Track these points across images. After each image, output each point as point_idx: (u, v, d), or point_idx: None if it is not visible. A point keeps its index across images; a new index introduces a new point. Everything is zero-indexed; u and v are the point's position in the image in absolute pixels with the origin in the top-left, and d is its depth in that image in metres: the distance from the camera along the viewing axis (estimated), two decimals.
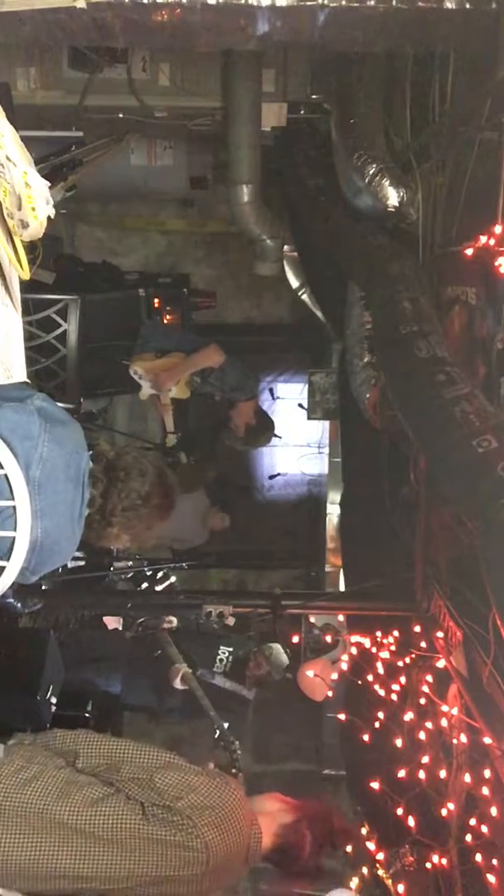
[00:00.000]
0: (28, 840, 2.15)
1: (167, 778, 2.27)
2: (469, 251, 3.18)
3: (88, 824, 2.17)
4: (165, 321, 6.05)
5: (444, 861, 3.06)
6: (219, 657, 4.57)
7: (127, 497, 2.29)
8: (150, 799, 2.23)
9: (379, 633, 3.80)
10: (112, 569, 5.49)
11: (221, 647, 4.60)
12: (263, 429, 5.35)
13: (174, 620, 4.16)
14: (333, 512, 6.64)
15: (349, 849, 2.51)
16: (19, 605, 3.85)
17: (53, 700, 3.25)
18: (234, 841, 2.24)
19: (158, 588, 5.43)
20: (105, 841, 2.16)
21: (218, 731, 3.59)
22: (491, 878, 2.70)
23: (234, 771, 2.60)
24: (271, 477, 7.76)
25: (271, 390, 7.36)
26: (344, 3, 2.33)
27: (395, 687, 3.51)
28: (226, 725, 3.68)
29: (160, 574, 5.51)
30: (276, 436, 5.61)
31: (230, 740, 3.26)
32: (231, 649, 4.62)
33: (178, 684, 4.10)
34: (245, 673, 4.65)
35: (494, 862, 2.72)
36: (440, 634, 3.54)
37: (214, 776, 2.35)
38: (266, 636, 4.51)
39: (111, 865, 2.16)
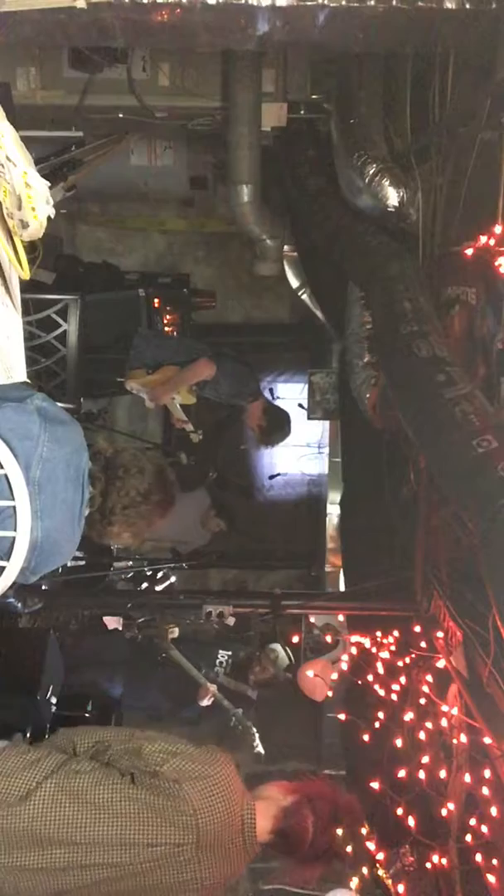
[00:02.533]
0: (23, 809, 2.15)
1: (153, 746, 2.27)
2: (469, 251, 3.18)
3: (81, 790, 2.17)
4: (165, 321, 6.05)
5: (444, 861, 3.06)
6: (218, 660, 4.58)
7: (126, 495, 2.29)
8: (138, 766, 2.22)
9: (379, 633, 3.80)
10: (112, 569, 5.48)
11: (220, 651, 4.62)
12: (277, 426, 5.34)
13: (176, 631, 4.18)
14: (333, 512, 6.64)
15: (349, 849, 2.49)
16: (19, 605, 3.85)
17: (53, 700, 3.25)
18: (222, 808, 2.20)
19: (158, 588, 5.43)
20: (95, 806, 2.15)
21: (234, 719, 3.69)
22: (491, 878, 2.70)
23: (255, 752, 2.55)
24: (271, 477, 7.76)
25: (271, 390, 7.36)
26: (344, 3, 2.33)
27: (395, 687, 3.52)
28: (240, 711, 3.75)
29: (160, 574, 5.51)
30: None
31: (247, 725, 3.37)
32: (230, 653, 4.64)
33: (205, 702, 4.15)
34: (248, 675, 4.67)
35: (494, 862, 2.72)
36: (440, 634, 3.54)
37: (200, 745, 2.34)
38: (266, 637, 4.52)
39: (101, 831, 2.14)
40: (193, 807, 2.17)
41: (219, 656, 4.66)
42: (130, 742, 2.33)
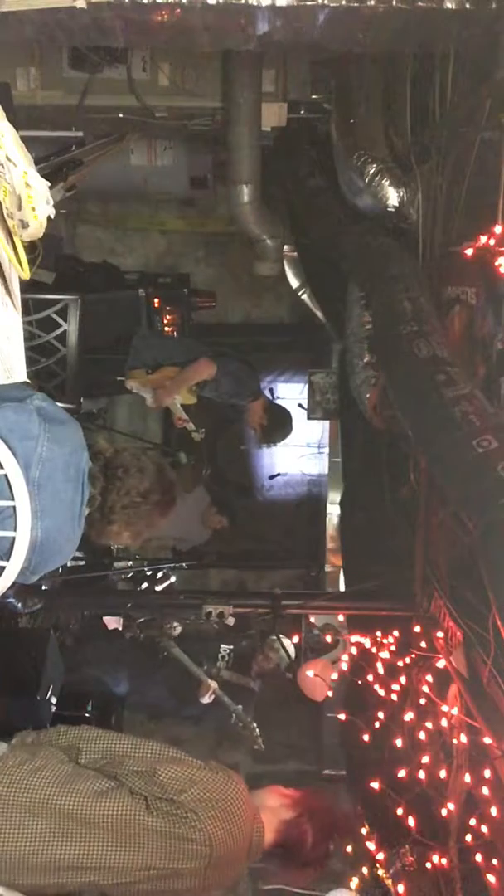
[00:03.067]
0: (31, 830, 2.15)
1: (170, 771, 2.27)
2: (469, 251, 3.18)
3: (92, 815, 2.17)
4: (165, 321, 6.05)
5: (444, 861, 3.06)
6: (220, 654, 4.60)
7: (126, 494, 2.29)
8: (154, 792, 2.22)
9: (379, 633, 3.80)
10: (112, 569, 5.48)
11: (222, 646, 4.63)
12: (278, 424, 5.35)
13: (178, 627, 4.18)
14: (333, 512, 6.64)
15: (349, 849, 2.50)
16: (19, 605, 3.85)
17: (54, 700, 3.25)
18: (237, 835, 2.24)
19: (158, 588, 5.43)
20: (108, 831, 2.16)
21: (234, 716, 3.72)
22: (491, 878, 2.70)
23: (255, 747, 2.55)
24: (271, 477, 7.76)
25: (271, 390, 7.35)
26: (344, 3, 2.33)
27: (395, 687, 3.51)
28: (240, 708, 3.78)
29: (160, 574, 5.51)
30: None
31: (248, 721, 3.39)
32: (231, 647, 4.66)
33: (206, 699, 4.16)
34: (251, 666, 4.69)
35: (494, 862, 2.71)
36: (440, 634, 3.54)
37: (217, 770, 2.35)
38: (267, 635, 4.53)
39: (114, 856, 2.15)
40: (210, 837, 2.19)
41: (221, 650, 4.67)
42: (143, 762, 2.32)
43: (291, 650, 4.44)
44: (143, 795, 2.22)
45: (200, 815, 2.19)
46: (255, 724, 3.61)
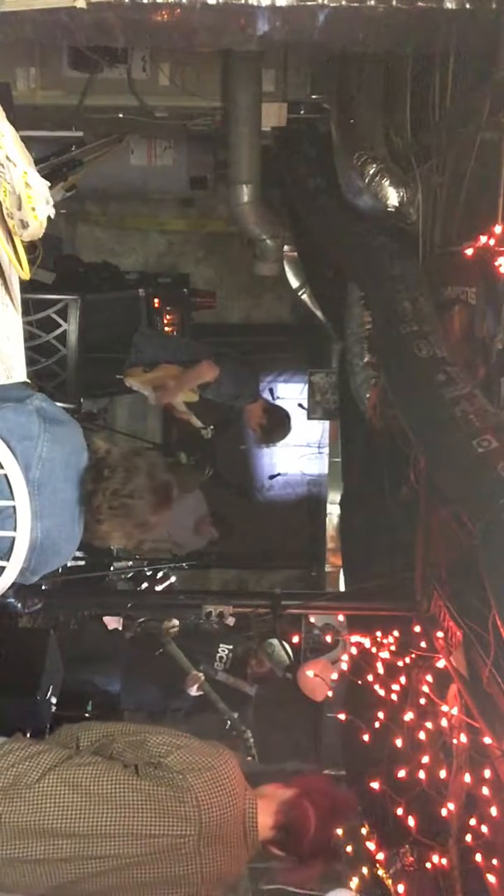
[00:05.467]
0: (24, 799, 2.15)
1: (158, 738, 2.27)
2: (469, 251, 3.18)
3: (85, 783, 2.17)
4: (165, 321, 6.05)
5: (444, 861, 3.06)
6: (219, 654, 4.59)
7: (113, 495, 2.27)
8: (142, 758, 2.22)
9: (379, 633, 3.80)
10: (112, 569, 5.48)
11: (221, 645, 4.62)
12: (277, 425, 5.35)
13: (177, 624, 4.18)
14: (333, 512, 6.64)
15: (349, 849, 2.49)
16: (19, 605, 3.85)
17: (53, 700, 3.25)
18: (226, 801, 2.20)
19: (158, 588, 5.43)
20: (98, 797, 2.15)
21: (229, 723, 3.67)
22: (491, 878, 2.70)
23: (248, 759, 2.57)
24: (271, 477, 7.76)
25: (271, 390, 7.36)
26: (344, 3, 2.33)
27: (395, 687, 3.51)
28: (235, 715, 3.74)
29: (160, 574, 5.51)
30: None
31: (242, 729, 3.34)
32: (231, 647, 4.65)
33: (193, 691, 4.15)
34: (246, 670, 4.67)
35: (494, 862, 2.71)
36: (440, 634, 3.54)
37: (207, 742, 2.34)
38: (266, 635, 4.52)
39: (105, 822, 2.14)
40: (197, 798, 2.17)
41: (220, 650, 4.67)
42: (135, 735, 2.33)
43: (283, 655, 4.43)
44: (134, 765, 2.22)
45: (188, 776, 2.18)
46: (249, 733, 3.55)
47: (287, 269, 6.19)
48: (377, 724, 3.46)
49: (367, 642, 3.81)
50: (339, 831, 2.36)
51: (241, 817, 2.25)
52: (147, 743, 2.26)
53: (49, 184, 1.88)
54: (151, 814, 2.15)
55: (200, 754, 2.25)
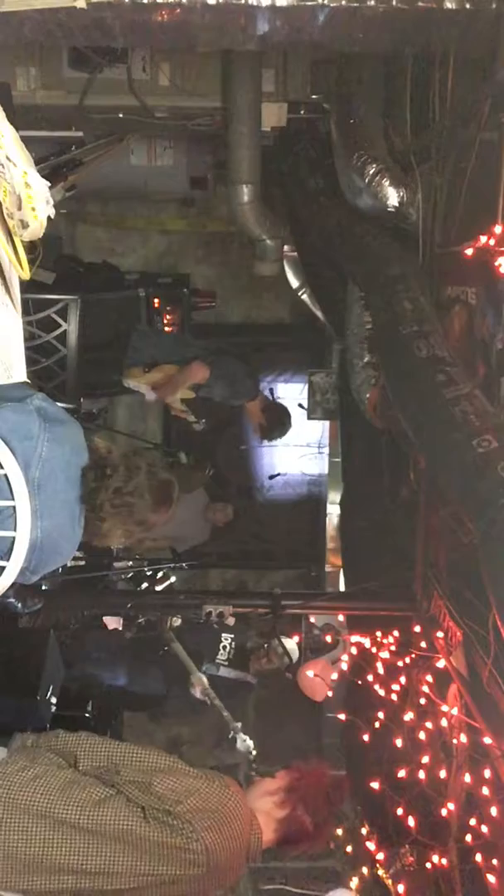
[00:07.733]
0: (30, 833, 2.16)
1: (166, 783, 2.28)
2: (469, 251, 3.18)
3: (91, 823, 2.18)
4: (165, 321, 6.05)
5: (444, 861, 3.06)
6: (222, 644, 4.64)
7: (115, 493, 2.29)
8: (150, 803, 2.24)
9: (379, 633, 3.80)
10: (112, 569, 5.48)
11: (224, 635, 4.67)
12: (276, 423, 5.38)
13: (179, 619, 4.20)
14: (333, 512, 6.65)
15: (349, 849, 2.50)
16: (19, 605, 3.85)
17: (53, 700, 3.25)
18: (233, 843, 2.25)
19: (158, 588, 5.43)
20: (108, 838, 2.17)
21: (232, 733, 3.67)
22: (491, 878, 2.70)
23: (252, 773, 2.61)
24: (271, 477, 7.76)
25: (271, 390, 7.35)
26: (344, 3, 2.33)
27: (395, 687, 3.52)
28: (238, 725, 3.74)
29: (160, 574, 5.51)
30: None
31: (248, 747, 3.34)
32: (233, 636, 4.68)
33: (198, 694, 4.17)
34: (248, 661, 4.71)
35: (494, 862, 2.72)
36: (440, 634, 3.54)
37: (213, 779, 2.35)
38: (270, 637, 4.54)
39: (113, 862, 2.17)
40: (206, 847, 2.20)
41: (223, 640, 4.70)
42: (140, 772, 2.33)
43: (295, 653, 4.45)
44: (139, 805, 2.23)
45: (196, 825, 2.20)
46: (252, 744, 3.54)
47: (287, 269, 6.19)
48: (377, 724, 3.46)
49: (367, 642, 3.81)
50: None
51: (246, 849, 2.31)
52: (154, 787, 2.27)
53: (49, 184, 1.89)
54: (160, 860, 2.18)
55: (209, 800, 2.27)
